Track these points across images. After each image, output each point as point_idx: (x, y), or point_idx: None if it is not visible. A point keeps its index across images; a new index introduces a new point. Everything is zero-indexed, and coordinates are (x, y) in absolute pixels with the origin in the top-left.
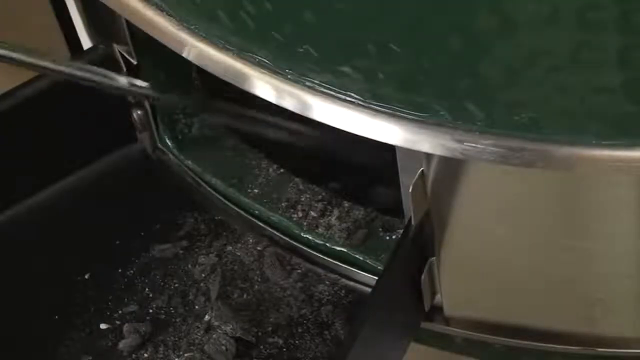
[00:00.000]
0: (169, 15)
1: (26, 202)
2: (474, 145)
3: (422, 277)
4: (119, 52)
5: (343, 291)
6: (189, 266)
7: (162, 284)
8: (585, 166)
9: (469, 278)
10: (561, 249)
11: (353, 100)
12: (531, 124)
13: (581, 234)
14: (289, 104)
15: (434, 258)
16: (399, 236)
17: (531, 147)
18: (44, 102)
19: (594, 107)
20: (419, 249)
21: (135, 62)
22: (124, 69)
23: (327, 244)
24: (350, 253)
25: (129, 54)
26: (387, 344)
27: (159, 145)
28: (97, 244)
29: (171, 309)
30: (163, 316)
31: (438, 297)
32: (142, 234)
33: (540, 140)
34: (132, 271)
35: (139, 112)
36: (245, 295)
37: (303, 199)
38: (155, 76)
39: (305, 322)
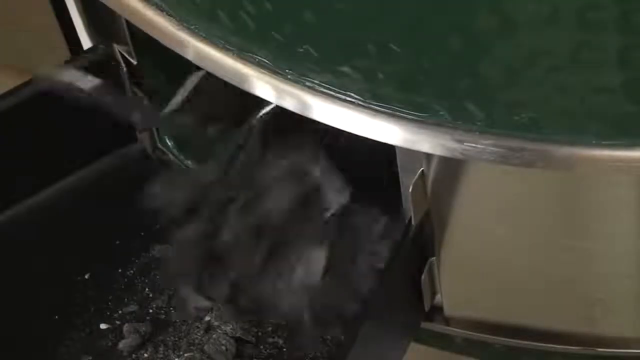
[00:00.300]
0: (169, 15)
1: (26, 202)
2: (474, 145)
3: (422, 277)
4: (119, 52)
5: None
6: None
7: (162, 284)
8: (585, 166)
9: (469, 278)
10: (561, 249)
11: (353, 100)
12: (531, 124)
13: (581, 234)
14: (289, 104)
15: (434, 258)
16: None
17: (531, 147)
18: (44, 102)
19: (594, 107)
20: (419, 249)
21: (135, 62)
22: (124, 69)
23: None
24: None
25: (129, 54)
26: (387, 344)
27: (159, 145)
28: (97, 244)
29: (171, 309)
30: (163, 316)
31: (438, 297)
32: (142, 234)
33: (540, 140)
34: (132, 271)
35: (139, 111)
36: None
37: None
38: (155, 76)
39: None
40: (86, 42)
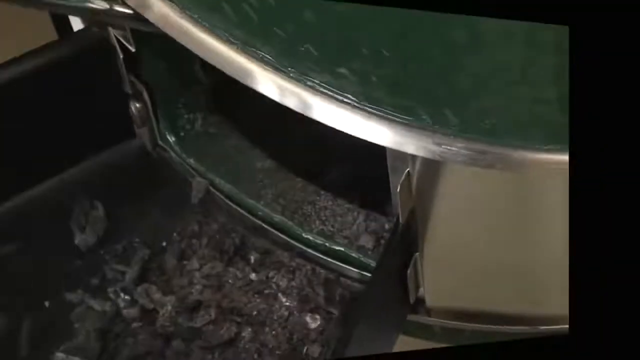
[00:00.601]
0: (170, 0)
1: (18, 198)
2: (449, 147)
3: (408, 271)
4: (115, 37)
5: (340, 289)
6: None
7: None
8: (531, 168)
9: (447, 271)
10: (519, 242)
11: (349, 101)
12: (493, 129)
13: (532, 229)
14: (290, 102)
15: (417, 253)
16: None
17: (492, 150)
18: (38, 93)
19: (538, 117)
20: (406, 245)
21: (133, 50)
22: (121, 56)
23: (327, 244)
24: (348, 252)
25: (127, 40)
26: (382, 338)
27: (160, 142)
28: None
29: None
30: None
31: (421, 290)
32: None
33: (499, 144)
34: None
35: (137, 104)
36: None
37: (302, 199)
38: (154, 66)
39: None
40: (78, 27)
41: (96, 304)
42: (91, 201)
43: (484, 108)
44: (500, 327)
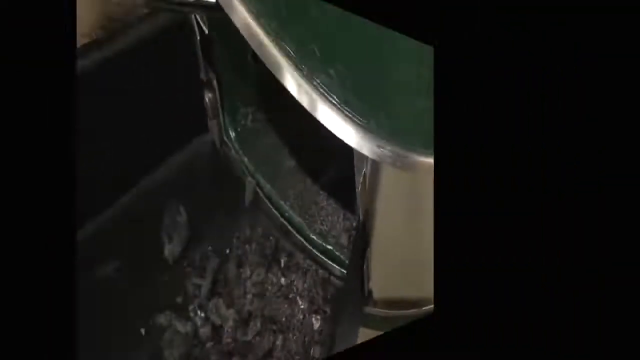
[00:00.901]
0: None
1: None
2: (383, 150)
3: (364, 266)
4: (195, 16)
5: (331, 288)
6: None
7: None
8: (419, 170)
9: (385, 264)
10: (418, 236)
11: (335, 102)
12: (406, 137)
13: (425, 224)
14: (304, 100)
15: (368, 249)
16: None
17: (402, 154)
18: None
19: (422, 124)
20: (363, 242)
21: (207, 32)
22: (198, 38)
23: (324, 244)
24: (335, 251)
25: (202, 20)
26: (353, 329)
27: (225, 138)
28: None
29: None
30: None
31: (371, 283)
32: None
33: (405, 149)
34: None
35: (209, 94)
36: None
37: (309, 199)
38: (222, 52)
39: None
40: None
41: (180, 326)
42: (177, 206)
43: (399, 116)
44: (417, 310)
